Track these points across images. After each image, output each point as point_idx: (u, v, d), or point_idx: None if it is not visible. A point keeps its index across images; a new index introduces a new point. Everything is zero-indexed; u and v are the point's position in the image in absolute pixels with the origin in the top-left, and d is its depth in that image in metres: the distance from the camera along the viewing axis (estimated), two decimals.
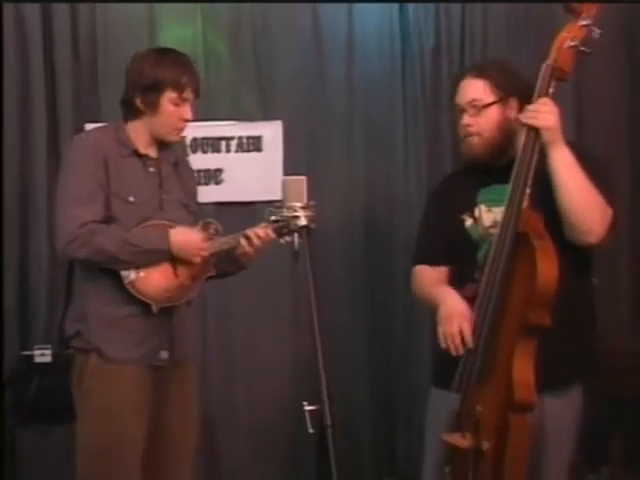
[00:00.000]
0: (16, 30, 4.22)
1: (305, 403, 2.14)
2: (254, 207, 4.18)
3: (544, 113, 2.35)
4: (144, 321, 2.73)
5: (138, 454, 2.74)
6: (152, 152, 2.83)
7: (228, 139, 4.43)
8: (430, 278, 2.67)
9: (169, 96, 2.73)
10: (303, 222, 2.40)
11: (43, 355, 3.78)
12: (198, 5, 4.40)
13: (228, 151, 4.43)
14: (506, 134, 2.51)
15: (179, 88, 2.73)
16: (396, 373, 4.60)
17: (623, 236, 4.35)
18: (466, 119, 2.54)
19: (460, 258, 2.60)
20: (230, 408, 4.48)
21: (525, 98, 2.44)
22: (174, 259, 2.75)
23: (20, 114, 4.24)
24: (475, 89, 2.54)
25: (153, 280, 2.72)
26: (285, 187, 2.47)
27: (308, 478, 4.12)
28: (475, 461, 2.30)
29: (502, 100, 2.52)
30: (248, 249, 2.78)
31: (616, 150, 4.70)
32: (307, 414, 2.15)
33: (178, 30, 4.40)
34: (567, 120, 2.43)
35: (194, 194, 3.02)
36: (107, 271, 2.69)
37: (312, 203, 2.42)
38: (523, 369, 2.28)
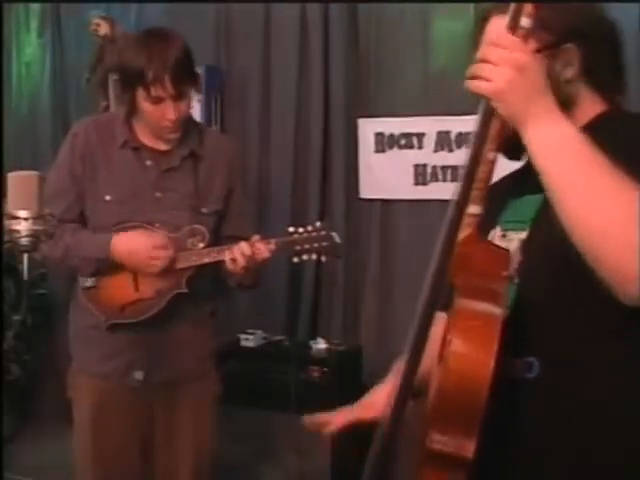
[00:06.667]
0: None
1: None
2: None
3: (490, 68, 1.11)
4: (110, 335, 2.16)
5: (111, 470, 2.22)
6: (161, 144, 2.18)
7: None
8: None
9: (141, 94, 2.07)
10: None
11: None
12: None
13: None
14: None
15: (145, 85, 2.04)
16: None
17: None
18: None
19: None
20: None
21: None
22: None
23: (297, 110, 3.84)
24: None
25: (108, 292, 2.15)
26: None
27: None
28: None
29: None
30: (233, 268, 2.07)
31: None
32: None
33: (450, 22, 3.57)
34: None
35: (221, 193, 2.24)
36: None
37: None
38: None
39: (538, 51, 1.22)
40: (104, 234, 2.14)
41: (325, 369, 3.37)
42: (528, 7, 1.12)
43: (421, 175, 3.57)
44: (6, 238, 1.43)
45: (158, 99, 2.06)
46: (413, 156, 3.57)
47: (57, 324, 3.99)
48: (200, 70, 2.77)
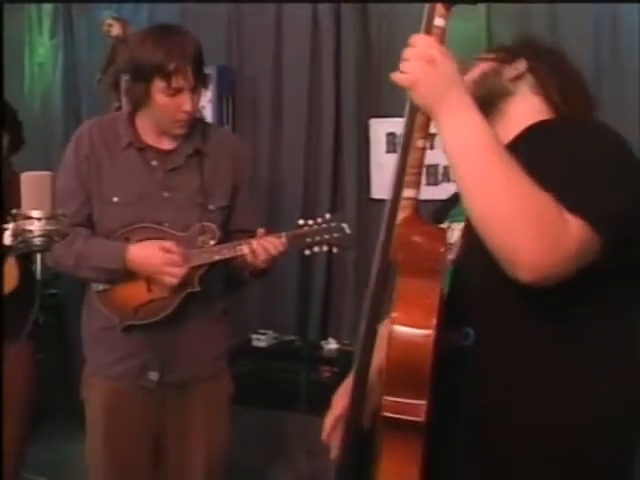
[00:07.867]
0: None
1: None
2: None
3: (407, 64, 1.26)
4: (125, 336, 2.14)
5: (124, 471, 2.22)
6: (165, 143, 2.17)
7: None
8: None
9: (158, 86, 2.05)
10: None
11: None
12: None
13: None
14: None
15: (166, 77, 2.02)
16: None
17: None
18: None
19: None
20: None
21: None
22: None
23: (309, 110, 3.82)
24: None
25: (121, 294, 2.12)
26: None
27: None
28: None
29: None
30: (253, 261, 2.08)
31: None
32: None
33: (461, 23, 3.45)
34: None
35: (226, 189, 2.22)
36: None
37: None
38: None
39: (493, 60, 1.46)
40: (118, 243, 2.12)
41: (336, 369, 3.35)
42: (440, 8, 1.25)
43: (432, 175, 3.56)
44: (19, 238, 1.43)
45: (177, 90, 2.05)
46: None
47: (69, 324, 4.00)
48: (211, 70, 2.75)
